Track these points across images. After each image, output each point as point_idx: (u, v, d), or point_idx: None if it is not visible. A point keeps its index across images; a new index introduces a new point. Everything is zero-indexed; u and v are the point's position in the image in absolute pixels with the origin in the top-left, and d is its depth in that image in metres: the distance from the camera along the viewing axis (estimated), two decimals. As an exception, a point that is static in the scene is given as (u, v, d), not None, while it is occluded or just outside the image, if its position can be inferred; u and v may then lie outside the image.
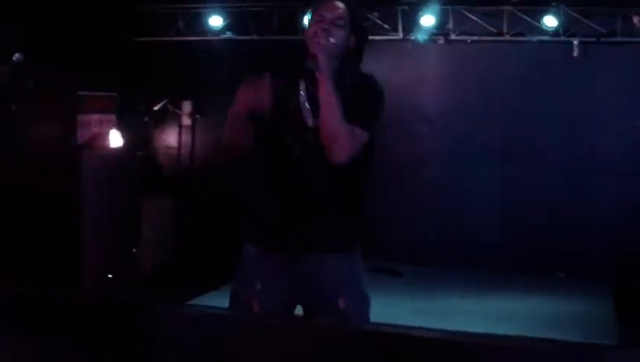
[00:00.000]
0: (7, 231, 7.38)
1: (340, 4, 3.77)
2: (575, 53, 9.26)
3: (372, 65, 4.12)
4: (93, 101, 9.25)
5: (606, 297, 8.53)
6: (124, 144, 9.20)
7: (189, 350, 2.64)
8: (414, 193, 10.05)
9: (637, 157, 9.34)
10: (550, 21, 9.12)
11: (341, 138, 3.63)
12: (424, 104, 10.21)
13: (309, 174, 3.76)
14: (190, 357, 2.64)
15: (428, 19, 9.44)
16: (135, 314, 2.69)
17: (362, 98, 3.74)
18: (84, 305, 2.83)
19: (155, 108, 10.18)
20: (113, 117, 9.48)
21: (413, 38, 9.64)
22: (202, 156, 10.58)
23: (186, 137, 10.64)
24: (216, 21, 9.89)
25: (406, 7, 9.47)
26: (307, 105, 3.78)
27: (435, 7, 9.33)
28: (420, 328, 6.51)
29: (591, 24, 9.16)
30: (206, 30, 10.01)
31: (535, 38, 9.36)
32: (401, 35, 9.67)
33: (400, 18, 9.63)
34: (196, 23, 10.06)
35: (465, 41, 9.66)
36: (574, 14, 9.13)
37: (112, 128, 9.25)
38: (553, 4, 9.01)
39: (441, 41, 9.66)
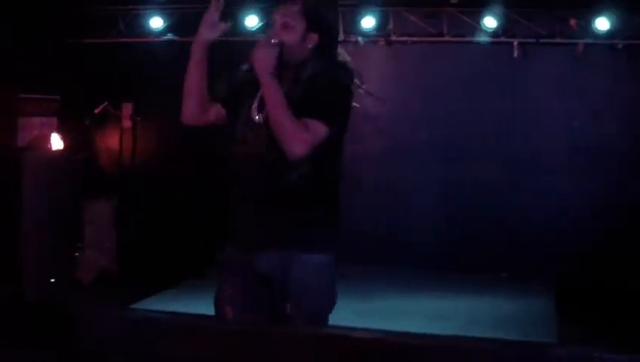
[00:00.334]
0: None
1: (295, 6, 3.76)
2: (515, 54, 9.36)
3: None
4: (35, 104, 9.18)
5: (547, 297, 8.61)
6: (65, 147, 9.10)
7: (128, 353, 2.63)
8: (355, 193, 10.05)
9: (576, 157, 9.46)
10: (490, 22, 9.20)
11: (290, 133, 3.62)
12: (366, 105, 10.21)
13: (267, 170, 3.74)
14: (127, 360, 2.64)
15: (368, 21, 9.50)
16: (73, 317, 2.67)
17: (319, 92, 3.72)
18: (20, 306, 2.81)
19: (96, 110, 10.09)
20: (54, 120, 9.41)
21: (354, 39, 9.66)
22: (143, 158, 10.51)
23: (127, 139, 10.55)
24: (156, 22, 9.84)
25: (346, 9, 9.49)
26: (256, 102, 3.80)
27: (375, 9, 9.37)
28: (361, 329, 6.51)
29: (531, 25, 9.27)
30: (147, 32, 9.96)
31: (475, 39, 9.44)
32: (342, 36, 9.68)
33: (340, 20, 9.63)
34: (137, 24, 10.01)
35: (405, 42, 9.72)
36: (514, 16, 9.23)
37: (53, 131, 9.16)
38: (492, 5, 9.10)
39: (382, 42, 9.72)
